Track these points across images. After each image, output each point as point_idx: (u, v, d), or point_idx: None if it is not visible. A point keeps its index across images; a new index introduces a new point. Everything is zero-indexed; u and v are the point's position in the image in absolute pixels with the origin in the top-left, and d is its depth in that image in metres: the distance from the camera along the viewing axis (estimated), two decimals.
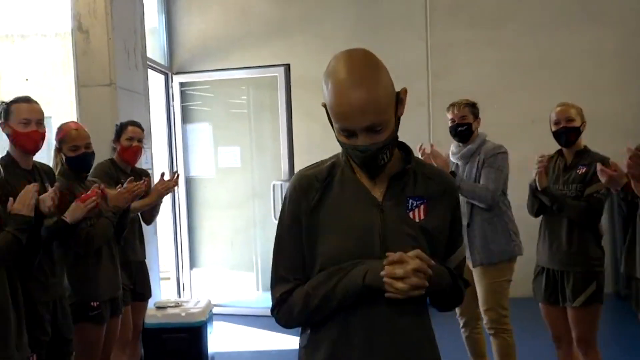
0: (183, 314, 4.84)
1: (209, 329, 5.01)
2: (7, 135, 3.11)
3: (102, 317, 3.61)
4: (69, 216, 3.18)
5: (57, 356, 3.27)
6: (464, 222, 3.94)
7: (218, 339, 5.57)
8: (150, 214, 4.32)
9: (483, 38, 7.05)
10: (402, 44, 7.01)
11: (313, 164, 1.91)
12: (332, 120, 1.73)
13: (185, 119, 7.04)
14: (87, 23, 4.75)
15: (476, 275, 4.03)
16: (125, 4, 5.12)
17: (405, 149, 1.87)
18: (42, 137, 3.16)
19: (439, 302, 1.90)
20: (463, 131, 4.09)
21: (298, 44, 7.17)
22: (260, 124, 7.18)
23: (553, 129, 3.69)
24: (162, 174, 4.22)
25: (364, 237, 1.77)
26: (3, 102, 3.15)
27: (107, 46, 4.76)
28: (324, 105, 1.75)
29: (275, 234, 1.86)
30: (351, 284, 1.72)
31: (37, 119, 3.14)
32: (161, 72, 6.87)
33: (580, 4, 7.01)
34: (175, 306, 4.96)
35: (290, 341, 5.57)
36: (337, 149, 1.81)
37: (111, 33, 4.78)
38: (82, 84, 4.74)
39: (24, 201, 2.74)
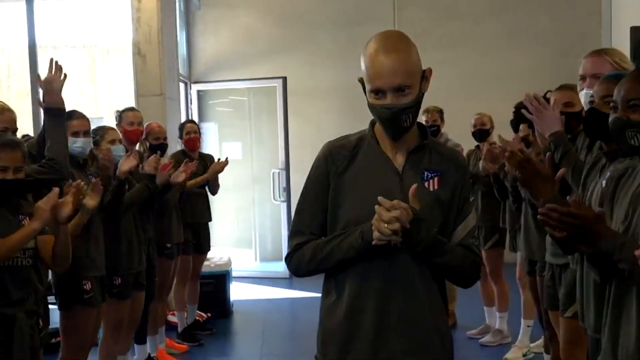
0: (212, 265, 6.49)
1: (230, 279, 6.67)
2: (121, 132, 4.76)
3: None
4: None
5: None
6: None
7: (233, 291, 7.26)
8: (213, 187, 5.70)
9: (446, 57, 8.72)
10: None
11: (341, 137, 2.16)
12: (367, 83, 1.97)
13: (200, 119, 8.71)
14: (144, 49, 6.41)
15: None
16: (168, 35, 6.78)
17: (422, 128, 2.12)
18: (141, 133, 4.82)
19: (453, 278, 2.10)
20: (433, 131, 5.53)
21: (293, 60, 8.81)
22: (259, 124, 8.85)
23: (472, 130, 5.45)
24: (219, 159, 5.64)
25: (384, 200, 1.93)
26: (117, 110, 4.80)
27: (159, 67, 6.43)
28: (361, 80, 2.02)
29: (300, 194, 2.13)
30: (352, 238, 1.96)
31: (138, 122, 4.78)
32: (182, 81, 8.52)
33: (522, 29, 8.69)
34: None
35: (289, 293, 7.35)
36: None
37: (162, 57, 6.44)
38: (141, 94, 6.41)
39: (149, 165, 4.37)
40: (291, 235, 2.11)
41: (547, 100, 3.23)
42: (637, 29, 6.07)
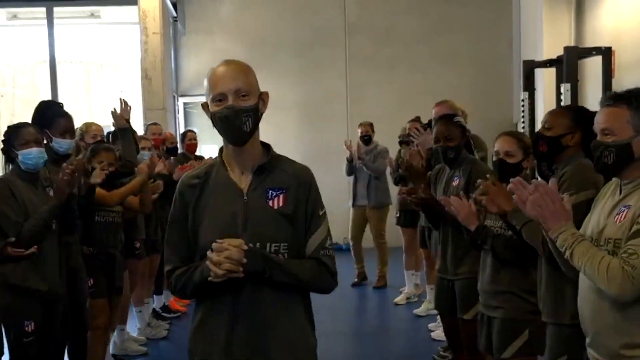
0: None
1: None
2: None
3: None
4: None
5: None
6: None
7: None
8: None
9: (386, 76, 10.68)
10: (329, 81, 10.64)
11: (196, 168, 2.36)
12: (209, 95, 2.15)
13: (186, 126, 10.54)
14: (150, 74, 8.25)
15: None
16: (168, 63, 8.63)
17: (266, 147, 2.24)
18: (162, 141, 6.63)
19: (309, 289, 2.23)
20: (366, 140, 7.69)
21: (261, 77, 10.57)
22: None
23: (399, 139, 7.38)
24: (209, 157, 7.43)
25: (230, 222, 2.13)
26: (145, 124, 6.63)
27: (162, 88, 8.28)
28: (204, 105, 2.20)
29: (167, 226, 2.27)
30: (197, 273, 2.12)
31: (159, 132, 6.61)
32: (172, 95, 10.34)
33: (447, 52, 10.66)
34: None
35: None
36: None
37: (164, 79, 8.29)
38: (147, 108, 8.25)
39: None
40: (165, 263, 2.29)
41: (429, 125, 5.01)
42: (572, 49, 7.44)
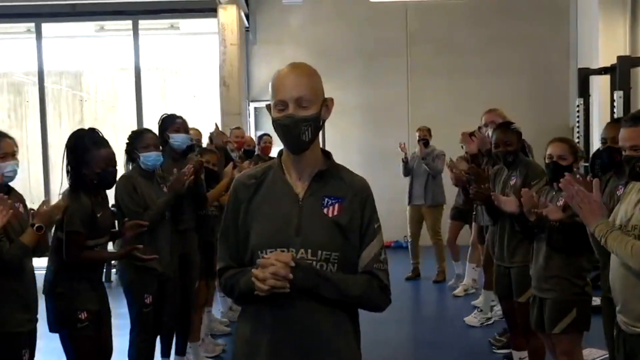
0: None
1: None
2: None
3: None
4: None
5: None
6: None
7: None
8: None
9: (442, 84, 11.22)
10: (391, 87, 11.22)
11: (253, 167, 2.35)
12: (272, 100, 2.12)
13: (256, 129, 11.26)
14: (228, 82, 8.98)
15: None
16: (243, 71, 9.35)
17: (327, 154, 2.21)
18: (244, 143, 7.33)
19: (360, 306, 2.19)
20: (425, 142, 8.28)
21: (326, 83, 11.20)
22: None
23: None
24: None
25: (283, 227, 2.10)
26: (230, 128, 7.35)
27: (238, 93, 9.00)
28: (267, 107, 2.16)
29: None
30: (244, 280, 2.10)
31: (242, 135, 7.31)
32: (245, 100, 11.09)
33: (503, 62, 11.14)
34: None
35: None
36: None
37: (240, 86, 9.01)
38: (225, 113, 8.98)
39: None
40: (217, 260, 2.28)
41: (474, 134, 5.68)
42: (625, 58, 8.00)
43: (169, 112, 5.06)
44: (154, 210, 4.33)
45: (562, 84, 11.05)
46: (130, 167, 4.52)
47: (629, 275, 2.81)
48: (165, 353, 4.90)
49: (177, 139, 4.87)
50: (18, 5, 9.75)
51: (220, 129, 5.93)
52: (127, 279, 4.43)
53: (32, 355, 3.60)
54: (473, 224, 7.38)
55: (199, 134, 5.99)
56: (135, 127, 9.79)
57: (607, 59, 8.62)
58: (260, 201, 2.16)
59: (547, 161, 4.01)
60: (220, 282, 2.26)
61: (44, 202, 3.62)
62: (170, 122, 4.90)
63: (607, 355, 4.31)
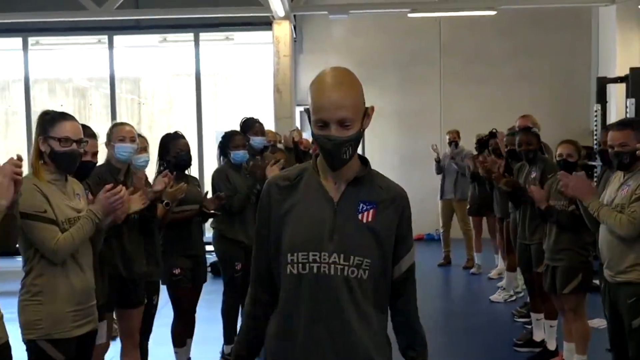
0: None
1: None
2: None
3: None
4: None
5: None
6: None
7: None
8: None
9: (472, 91, 12.16)
10: (425, 94, 12.23)
11: (286, 169, 2.32)
12: (312, 114, 2.05)
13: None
14: (281, 89, 10.10)
15: None
16: (293, 78, 10.46)
17: (364, 160, 2.17)
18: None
19: None
20: (455, 143, 9.36)
21: (366, 90, 12.25)
22: None
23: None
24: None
25: (316, 229, 2.07)
26: (290, 130, 8.44)
27: (290, 99, 10.11)
28: (306, 111, 2.16)
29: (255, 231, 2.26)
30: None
31: (300, 135, 8.39)
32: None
33: (528, 71, 12.04)
34: None
35: None
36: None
37: (292, 92, 10.11)
38: (278, 117, 10.10)
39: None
40: (250, 282, 2.28)
41: (494, 134, 6.71)
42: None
43: (248, 116, 6.17)
44: (241, 195, 5.44)
45: (584, 91, 11.94)
46: (222, 162, 5.65)
47: (614, 240, 3.86)
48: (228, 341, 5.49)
49: (256, 141, 5.99)
50: (90, 20, 10.92)
51: (286, 132, 6.95)
52: (220, 250, 5.55)
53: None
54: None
55: (274, 136, 7.08)
56: (192, 127, 11.02)
57: (623, 69, 9.57)
58: (293, 203, 2.13)
59: (557, 159, 5.04)
60: (244, 310, 2.35)
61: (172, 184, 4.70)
62: (251, 125, 5.99)
63: None
